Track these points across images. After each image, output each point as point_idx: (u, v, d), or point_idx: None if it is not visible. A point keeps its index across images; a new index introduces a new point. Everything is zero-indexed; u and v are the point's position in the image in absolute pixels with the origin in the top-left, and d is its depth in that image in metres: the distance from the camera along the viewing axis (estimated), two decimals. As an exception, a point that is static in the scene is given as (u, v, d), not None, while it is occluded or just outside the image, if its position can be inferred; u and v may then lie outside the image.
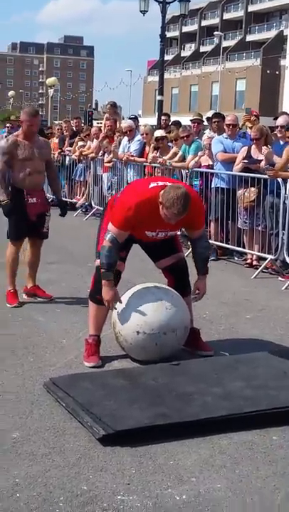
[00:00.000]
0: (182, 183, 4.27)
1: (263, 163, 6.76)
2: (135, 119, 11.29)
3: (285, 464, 2.77)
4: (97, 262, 3.96)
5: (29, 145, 5.06)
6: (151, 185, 3.77)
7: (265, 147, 6.70)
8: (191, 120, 9.05)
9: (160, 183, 3.75)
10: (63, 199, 6.34)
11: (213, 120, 8.12)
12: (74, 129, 12.04)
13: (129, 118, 11.56)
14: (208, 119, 8.88)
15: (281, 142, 6.92)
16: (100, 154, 10.31)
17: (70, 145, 11.52)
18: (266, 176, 6.66)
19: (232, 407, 3.13)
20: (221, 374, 3.57)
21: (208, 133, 8.33)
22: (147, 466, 2.71)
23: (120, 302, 3.84)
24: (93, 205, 10.51)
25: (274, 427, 3.07)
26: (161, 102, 20.86)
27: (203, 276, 4.03)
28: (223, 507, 2.43)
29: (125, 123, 9.94)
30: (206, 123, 9.27)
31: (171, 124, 10.30)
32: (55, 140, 12.25)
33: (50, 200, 5.53)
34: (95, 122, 23.61)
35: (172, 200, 3.56)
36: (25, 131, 5.08)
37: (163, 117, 11.51)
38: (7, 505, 2.39)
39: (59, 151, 11.74)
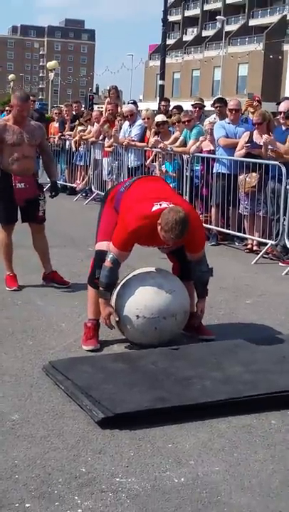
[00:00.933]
0: (185, 204, 4.06)
1: (263, 150, 6.72)
2: (134, 104, 11.22)
3: (283, 448, 2.78)
4: (97, 246, 3.97)
5: (19, 130, 4.98)
6: (155, 207, 3.66)
7: (266, 135, 6.64)
8: (192, 105, 8.98)
9: (164, 205, 3.67)
10: (58, 182, 6.31)
11: (216, 105, 8.05)
12: (74, 113, 11.96)
13: (128, 103, 11.49)
14: (213, 104, 8.79)
15: (283, 128, 6.87)
16: (100, 138, 10.25)
17: (71, 129, 11.46)
18: (268, 162, 6.63)
19: (231, 391, 3.13)
20: (221, 358, 3.57)
21: (211, 118, 8.27)
22: (146, 449, 2.72)
23: (117, 319, 3.85)
24: (93, 189, 10.47)
25: (273, 411, 3.08)
26: (162, 87, 20.71)
27: (203, 299, 4.03)
28: (221, 490, 2.44)
29: (126, 107, 9.88)
30: (207, 108, 9.19)
31: (173, 108, 10.23)
32: (55, 124, 12.18)
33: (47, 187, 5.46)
34: (95, 107, 23.46)
35: (170, 224, 3.54)
36: (15, 116, 5.00)
37: (162, 103, 11.42)
38: (6, 486, 2.40)
39: (59, 135, 11.68)
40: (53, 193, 5.39)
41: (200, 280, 3.98)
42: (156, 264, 4.28)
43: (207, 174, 7.59)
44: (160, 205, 3.67)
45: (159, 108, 11.96)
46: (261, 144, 6.83)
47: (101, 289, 3.82)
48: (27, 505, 2.30)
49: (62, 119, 11.98)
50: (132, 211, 3.73)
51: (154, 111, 10.32)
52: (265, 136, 6.62)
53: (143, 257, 5.05)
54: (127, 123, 9.44)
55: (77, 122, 11.26)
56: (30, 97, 6.05)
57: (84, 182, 10.90)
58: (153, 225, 3.64)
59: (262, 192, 6.83)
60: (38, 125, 5.29)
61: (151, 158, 8.59)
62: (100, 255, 3.88)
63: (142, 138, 9.13)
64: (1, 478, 2.46)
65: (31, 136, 5.04)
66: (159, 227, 3.61)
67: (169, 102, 11.57)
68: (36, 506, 2.29)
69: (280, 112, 6.99)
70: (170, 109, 10.51)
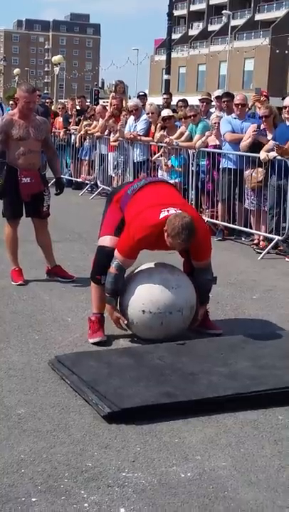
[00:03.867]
0: (193, 212, 4.01)
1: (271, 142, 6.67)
2: (144, 96, 11.14)
3: (290, 444, 2.76)
4: (99, 241, 3.98)
5: (25, 124, 4.98)
6: (162, 214, 3.63)
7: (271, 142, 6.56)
8: (199, 99, 8.94)
9: (171, 211, 3.63)
10: (63, 177, 6.31)
11: (223, 100, 8.01)
12: (77, 107, 11.94)
13: (138, 95, 11.42)
14: (216, 97, 8.75)
15: (287, 123, 6.78)
16: (105, 133, 10.22)
17: (76, 123, 11.43)
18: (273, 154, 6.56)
19: (238, 386, 3.12)
20: (227, 354, 3.56)
21: (216, 112, 8.23)
22: (152, 443, 2.71)
23: (126, 322, 3.86)
24: (99, 184, 10.45)
25: (280, 406, 3.06)
26: (168, 82, 20.63)
27: (203, 305, 4.02)
28: (228, 485, 2.43)
29: (131, 102, 9.84)
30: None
31: (178, 101, 10.17)
32: (59, 119, 12.15)
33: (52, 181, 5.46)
34: (101, 101, 23.39)
35: (177, 229, 3.52)
36: (21, 109, 4.98)
37: (164, 96, 11.32)
38: (12, 481, 2.40)
39: (64, 129, 11.65)
40: (58, 191, 5.41)
41: (203, 287, 3.97)
42: (162, 258, 4.27)
43: (213, 169, 7.56)
44: (167, 211, 3.65)
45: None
46: (268, 137, 6.78)
47: (107, 295, 3.85)
48: (33, 499, 2.30)
49: (67, 113, 11.95)
50: (139, 219, 3.71)
51: (158, 105, 10.27)
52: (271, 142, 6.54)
53: (149, 252, 5.03)
54: (132, 118, 9.41)
55: (82, 117, 11.23)
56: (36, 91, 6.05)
57: (92, 176, 10.83)
58: (160, 232, 3.64)
59: (268, 187, 6.80)
60: (43, 120, 5.29)
61: (159, 153, 8.54)
62: (102, 251, 3.90)
63: (147, 132, 9.09)
64: (7, 472, 2.46)
65: (37, 130, 5.04)
66: (165, 234, 3.60)
67: (172, 96, 11.47)
68: (42, 500, 2.29)
69: (285, 107, 6.89)
70: (173, 102, 10.43)
